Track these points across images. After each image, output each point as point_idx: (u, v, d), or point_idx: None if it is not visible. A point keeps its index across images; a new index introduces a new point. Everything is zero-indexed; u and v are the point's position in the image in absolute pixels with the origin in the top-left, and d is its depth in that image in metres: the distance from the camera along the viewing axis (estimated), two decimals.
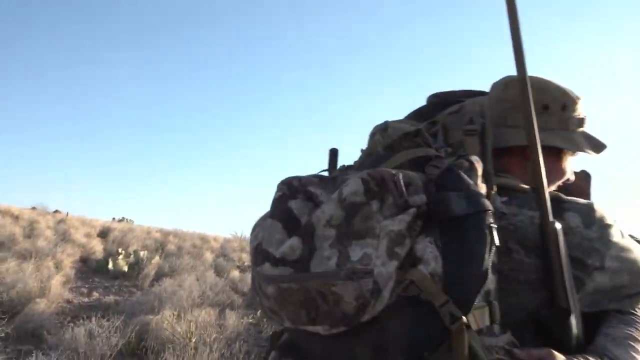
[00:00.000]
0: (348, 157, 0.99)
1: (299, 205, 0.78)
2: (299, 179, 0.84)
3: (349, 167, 0.95)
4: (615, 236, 0.90)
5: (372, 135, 0.94)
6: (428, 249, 0.70)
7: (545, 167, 0.90)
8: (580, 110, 1.02)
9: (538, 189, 0.86)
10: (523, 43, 0.88)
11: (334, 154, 0.99)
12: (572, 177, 1.07)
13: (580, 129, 1.02)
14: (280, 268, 0.71)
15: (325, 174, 0.95)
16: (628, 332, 0.88)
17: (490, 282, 0.74)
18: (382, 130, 0.91)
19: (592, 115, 1.03)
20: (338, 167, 0.98)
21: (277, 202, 0.81)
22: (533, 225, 0.86)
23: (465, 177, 0.76)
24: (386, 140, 0.89)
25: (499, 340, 0.75)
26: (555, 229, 0.83)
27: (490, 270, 0.73)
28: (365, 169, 0.75)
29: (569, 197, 0.92)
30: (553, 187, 1.01)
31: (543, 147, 0.90)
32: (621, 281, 0.90)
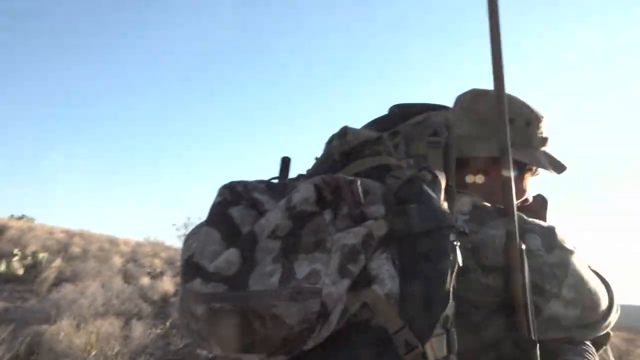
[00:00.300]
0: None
1: (242, 213, 0.70)
2: (243, 184, 0.76)
3: (302, 176, 0.87)
4: (575, 264, 0.88)
5: (329, 141, 0.89)
6: (384, 267, 0.63)
7: (501, 183, 0.88)
8: (544, 129, 1.01)
9: (508, 207, 0.81)
10: (502, 58, 0.83)
11: (285, 163, 0.90)
12: (530, 199, 1.06)
13: (543, 148, 1.01)
14: (213, 284, 0.62)
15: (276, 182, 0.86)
16: None
17: (450, 307, 0.66)
18: (340, 136, 0.86)
19: (554, 137, 1.03)
20: (290, 177, 0.89)
21: (216, 208, 0.73)
22: (494, 244, 0.82)
23: (428, 190, 0.70)
24: (344, 147, 0.83)
25: None
26: (522, 251, 0.79)
27: (451, 294, 0.66)
28: None
29: (531, 219, 0.89)
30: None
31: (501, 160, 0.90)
32: (574, 312, 0.87)
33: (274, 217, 0.65)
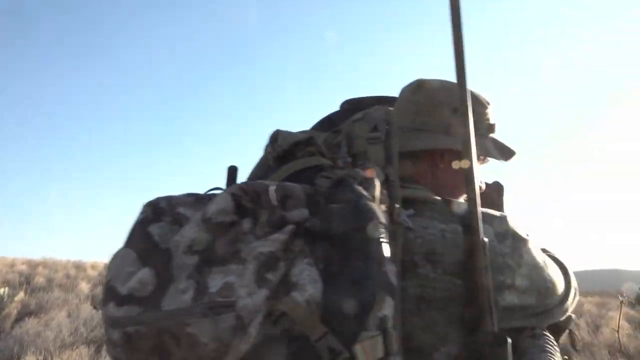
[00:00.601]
0: None
1: (163, 230, 0.67)
2: (168, 199, 0.72)
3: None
4: (528, 253, 0.85)
5: (265, 146, 0.87)
6: (305, 272, 0.60)
7: (451, 174, 0.89)
8: (490, 116, 0.99)
9: (470, 199, 0.79)
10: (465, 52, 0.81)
11: (232, 172, 0.88)
12: (483, 186, 1.03)
13: (490, 135, 0.99)
14: (126, 308, 0.59)
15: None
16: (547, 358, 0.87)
17: (388, 306, 0.61)
18: (272, 141, 0.84)
19: (503, 123, 1.01)
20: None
21: (135, 227, 0.69)
22: (444, 238, 0.79)
23: (358, 188, 0.67)
24: (276, 151, 0.82)
25: None
26: (484, 243, 0.76)
27: (385, 293, 0.61)
28: None
29: (483, 209, 0.86)
30: (461, 197, 0.96)
31: (451, 152, 0.89)
32: (530, 301, 0.85)
33: (190, 231, 0.62)
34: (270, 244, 0.60)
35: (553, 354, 0.89)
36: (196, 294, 0.57)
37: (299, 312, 0.57)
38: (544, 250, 0.96)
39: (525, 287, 0.83)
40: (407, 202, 0.81)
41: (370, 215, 0.64)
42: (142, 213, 0.70)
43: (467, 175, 0.80)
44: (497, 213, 0.88)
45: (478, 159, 0.96)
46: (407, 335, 0.72)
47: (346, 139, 0.86)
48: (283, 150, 0.81)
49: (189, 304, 0.57)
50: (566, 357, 0.97)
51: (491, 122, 0.99)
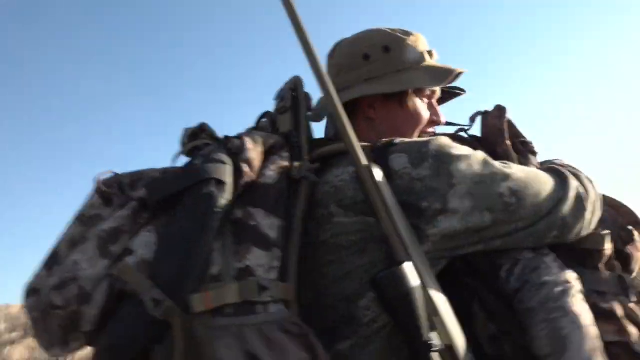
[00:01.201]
0: None
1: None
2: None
3: None
4: (465, 169, 0.77)
5: None
6: (142, 239, 0.69)
7: (392, 119, 0.93)
8: (417, 45, 0.96)
9: (343, 137, 0.73)
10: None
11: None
12: (443, 119, 1.01)
13: (424, 64, 0.95)
14: (31, 299, 0.71)
15: None
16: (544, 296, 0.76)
17: (255, 257, 0.68)
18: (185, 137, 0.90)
19: (444, 46, 0.96)
20: None
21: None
22: (354, 181, 0.77)
23: (210, 152, 0.75)
24: (186, 147, 0.86)
25: (260, 317, 0.64)
26: (369, 171, 0.71)
27: (251, 244, 0.68)
28: None
29: (404, 139, 0.82)
30: (416, 134, 0.97)
31: (382, 99, 0.92)
32: (480, 220, 0.76)
33: (69, 229, 0.73)
34: (113, 221, 0.70)
35: (550, 270, 0.78)
36: (60, 274, 0.69)
37: (127, 272, 0.65)
38: (524, 163, 0.90)
39: (467, 207, 0.75)
40: (332, 158, 0.83)
41: (202, 174, 0.71)
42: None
43: (333, 112, 0.72)
44: (419, 139, 0.83)
45: (415, 93, 0.95)
46: (330, 285, 0.75)
47: (269, 119, 0.90)
48: (185, 145, 0.85)
49: (56, 283, 0.68)
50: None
51: (419, 50, 0.95)
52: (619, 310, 0.81)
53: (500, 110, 1.02)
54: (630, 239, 0.91)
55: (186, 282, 0.63)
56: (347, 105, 0.89)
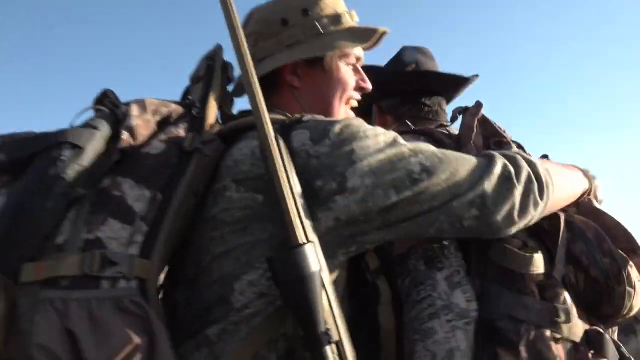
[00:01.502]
0: None
1: None
2: None
3: None
4: (370, 146, 0.71)
5: None
6: None
7: (314, 85, 0.89)
8: (335, 7, 0.92)
9: (254, 112, 0.68)
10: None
11: None
12: (368, 85, 0.96)
13: (344, 26, 0.91)
14: None
15: None
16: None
17: (110, 230, 0.64)
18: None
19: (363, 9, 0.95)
20: None
21: None
22: (253, 155, 0.73)
23: (84, 129, 0.71)
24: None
25: (96, 293, 0.60)
26: (271, 145, 0.65)
27: (108, 216, 0.65)
28: None
29: (316, 117, 0.77)
30: (343, 101, 0.93)
31: (305, 64, 0.88)
32: (383, 201, 0.69)
33: None
34: None
35: (435, 288, 0.73)
36: None
37: None
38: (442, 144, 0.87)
39: (369, 185, 0.69)
40: (245, 131, 0.78)
41: (53, 138, 0.68)
42: None
43: (247, 87, 0.68)
44: (326, 119, 0.77)
45: (328, 60, 0.90)
46: (210, 264, 0.71)
47: (189, 90, 0.88)
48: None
49: None
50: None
51: (337, 12, 0.91)
52: (526, 342, 0.72)
53: (477, 107, 0.96)
54: (616, 269, 0.80)
55: (17, 250, 0.60)
56: (270, 76, 0.87)
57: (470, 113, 0.95)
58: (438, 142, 0.92)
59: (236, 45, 0.67)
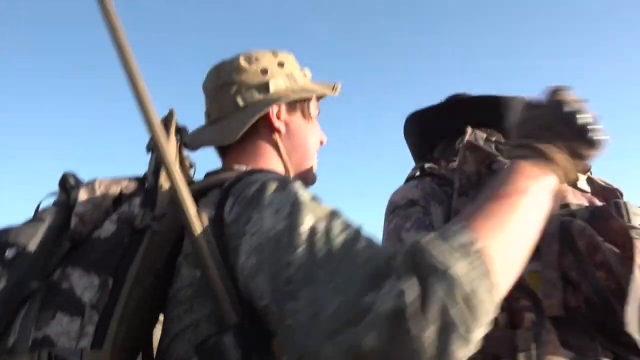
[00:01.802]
0: None
1: None
2: None
3: None
4: (266, 218, 0.61)
5: None
6: None
7: (297, 129, 0.91)
8: (295, 64, 0.96)
9: (169, 178, 0.66)
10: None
11: None
12: (323, 138, 0.97)
13: (279, 86, 0.91)
14: None
15: None
16: None
17: (62, 324, 0.62)
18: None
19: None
20: None
21: None
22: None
23: (36, 219, 0.72)
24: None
25: None
26: (192, 220, 0.63)
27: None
28: None
29: (251, 176, 0.70)
30: (312, 158, 0.95)
31: (264, 120, 0.88)
32: (259, 292, 0.58)
33: None
34: None
35: None
36: None
37: None
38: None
39: (257, 262, 0.59)
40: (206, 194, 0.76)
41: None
42: None
43: (158, 156, 0.69)
44: (260, 176, 0.69)
45: (294, 109, 0.92)
46: (168, 345, 0.67)
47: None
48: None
49: None
50: None
51: (299, 68, 0.96)
52: None
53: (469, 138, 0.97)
54: (614, 284, 0.71)
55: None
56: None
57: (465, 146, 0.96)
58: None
59: (147, 116, 0.64)
